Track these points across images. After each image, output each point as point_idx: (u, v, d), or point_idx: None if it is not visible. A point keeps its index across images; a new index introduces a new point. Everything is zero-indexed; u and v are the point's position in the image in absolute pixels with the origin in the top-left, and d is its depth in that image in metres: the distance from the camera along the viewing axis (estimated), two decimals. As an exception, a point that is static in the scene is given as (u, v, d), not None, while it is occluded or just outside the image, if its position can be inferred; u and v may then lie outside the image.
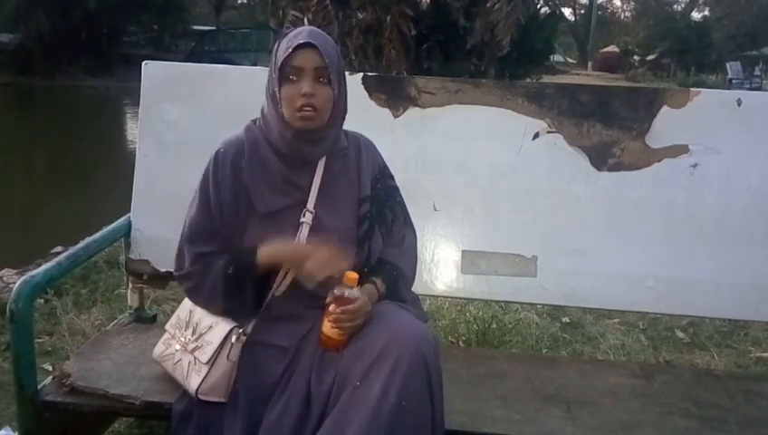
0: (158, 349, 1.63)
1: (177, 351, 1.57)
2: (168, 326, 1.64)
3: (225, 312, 1.50)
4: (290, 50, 1.39)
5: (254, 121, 1.53)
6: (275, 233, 1.46)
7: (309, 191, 1.49)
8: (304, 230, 1.48)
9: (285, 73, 1.40)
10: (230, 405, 1.45)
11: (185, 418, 1.49)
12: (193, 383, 1.48)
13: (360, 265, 1.52)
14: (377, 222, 1.56)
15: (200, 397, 1.47)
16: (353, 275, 1.40)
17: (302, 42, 1.39)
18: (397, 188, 1.63)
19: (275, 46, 1.46)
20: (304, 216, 1.48)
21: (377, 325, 1.40)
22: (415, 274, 1.64)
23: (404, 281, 1.58)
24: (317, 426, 1.34)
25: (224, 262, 1.47)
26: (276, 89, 1.42)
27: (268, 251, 1.45)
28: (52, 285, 2.55)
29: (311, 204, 1.49)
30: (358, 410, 1.29)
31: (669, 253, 1.90)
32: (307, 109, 1.40)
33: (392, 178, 1.63)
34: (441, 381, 1.38)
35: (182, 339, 1.57)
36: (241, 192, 1.48)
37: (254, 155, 1.49)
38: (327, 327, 1.40)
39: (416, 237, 1.66)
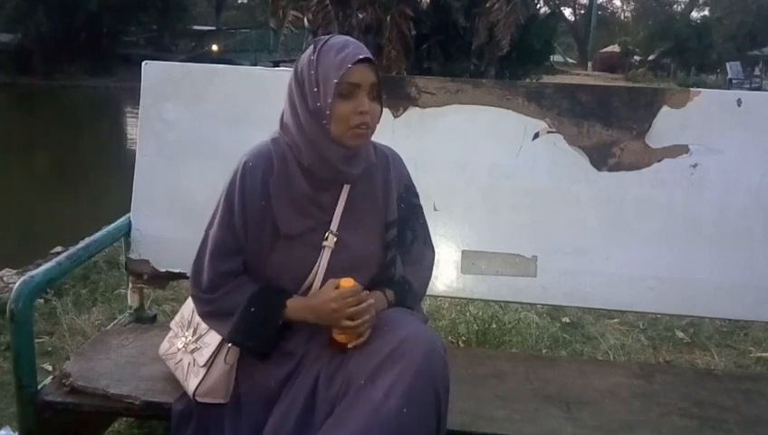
0: (164, 346, 1.64)
1: (178, 350, 1.57)
2: (172, 324, 1.64)
3: (233, 343, 1.45)
4: (349, 65, 1.32)
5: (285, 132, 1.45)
6: (296, 255, 1.43)
7: (333, 212, 1.44)
8: (326, 254, 1.43)
9: (340, 90, 1.33)
10: (232, 407, 1.45)
11: (184, 418, 1.49)
12: (191, 385, 1.48)
13: (378, 282, 1.50)
14: (397, 243, 1.52)
15: (198, 399, 1.47)
16: (349, 283, 1.38)
17: (361, 57, 1.33)
18: (420, 207, 1.58)
19: (312, 57, 1.37)
20: (327, 239, 1.43)
21: (386, 330, 1.38)
22: (425, 292, 1.62)
23: (413, 297, 1.54)
24: (320, 429, 1.32)
25: (247, 297, 1.40)
26: (321, 104, 1.34)
27: (298, 309, 1.41)
28: (52, 285, 2.55)
29: (334, 225, 1.44)
30: (359, 409, 1.28)
31: (669, 253, 1.90)
32: (362, 127, 1.36)
33: (417, 196, 1.57)
34: (448, 392, 1.35)
35: (183, 339, 1.57)
36: (268, 212, 1.41)
37: (281, 174, 1.41)
38: (335, 332, 1.40)
39: (434, 255, 1.62)
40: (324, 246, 1.43)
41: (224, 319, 1.42)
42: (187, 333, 1.56)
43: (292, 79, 1.41)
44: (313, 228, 1.44)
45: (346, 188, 1.45)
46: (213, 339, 1.49)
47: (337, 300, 1.36)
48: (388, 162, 1.52)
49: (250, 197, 1.41)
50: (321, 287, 1.43)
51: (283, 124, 1.44)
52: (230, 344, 1.46)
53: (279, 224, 1.42)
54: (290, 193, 1.42)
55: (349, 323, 1.36)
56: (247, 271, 1.46)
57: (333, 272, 1.43)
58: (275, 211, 1.41)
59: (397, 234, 1.51)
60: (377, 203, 1.49)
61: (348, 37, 1.42)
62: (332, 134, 1.36)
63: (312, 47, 1.40)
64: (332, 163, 1.38)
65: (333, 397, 1.34)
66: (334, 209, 1.44)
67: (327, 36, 1.42)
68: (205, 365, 1.47)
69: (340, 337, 1.39)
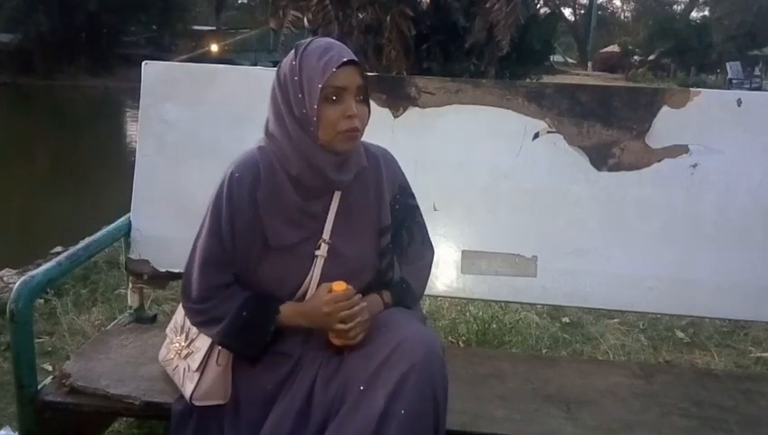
0: (162, 353, 1.64)
1: (174, 356, 1.56)
2: (167, 330, 1.64)
3: (222, 345, 1.44)
4: (333, 69, 1.29)
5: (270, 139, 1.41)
6: (289, 266, 1.42)
7: (324, 220, 1.42)
8: (318, 263, 1.41)
9: (326, 94, 1.30)
10: (231, 408, 1.44)
11: (184, 418, 1.48)
12: (187, 390, 1.48)
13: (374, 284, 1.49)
14: (392, 246, 1.50)
15: (195, 403, 1.46)
16: (341, 286, 1.38)
17: (346, 59, 1.30)
18: (416, 208, 1.55)
19: (294, 63, 1.34)
20: (319, 248, 1.41)
21: (384, 331, 1.37)
22: (423, 291, 1.60)
23: (411, 297, 1.53)
24: (317, 431, 1.32)
25: (238, 304, 1.40)
26: (307, 111, 1.31)
27: (292, 315, 1.40)
28: (52, 285, 2.55)
29: (326, 234, 1.41)
30: (359, 415, 1.27)
31: (669, 253, 1.90)
32: (352, 131, 1.33)
33: (413, 196, 1.54)
34: (446, 392, 1.34)
35: (176, 345, 1.56)
36: (257, 224, 1.39)
37: (269, 184, 1.39)
38: (331, 335, 1.40)
39: (433, 255, 1.60)
40: (317, 256, 1.42)
41: (216, 325, 1.42)
42: (179, 338, 1.56)
43: (275, 86, 1.38)
44: (305, 238, 1.42)
45: (337, 195, 1.43)
46: (203, 343, 1.48)
47: (329, 304, 1.36)
48: (380, 164, 1.49)
49: (238, 209, 1.38)
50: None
51: (268, 133, 1.41)
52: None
53: (269, 236, 1.40)
54: (279, 204, 1.39)
55: (341, 326, 1.36)
56: (239, 282, 1.44)
57: (327, 281, 1.41)
58: (265, 223, 1.39)
59: (393, 236, 1.50)
60: (369, 208, 1.47)
61: (330, 39, 1.39)
62: (321, 140, 1.33)
63: (292, 52, 1.37)
64: (322, 171, 1.36)
65: (330, 400, 1.33)
66: (326, 217, 1.42)
67: (308, 40, 1.38)
68: (198, 370, 1.46)
69: (335, 340, 1.39)
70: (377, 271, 1.49)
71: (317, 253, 1.42)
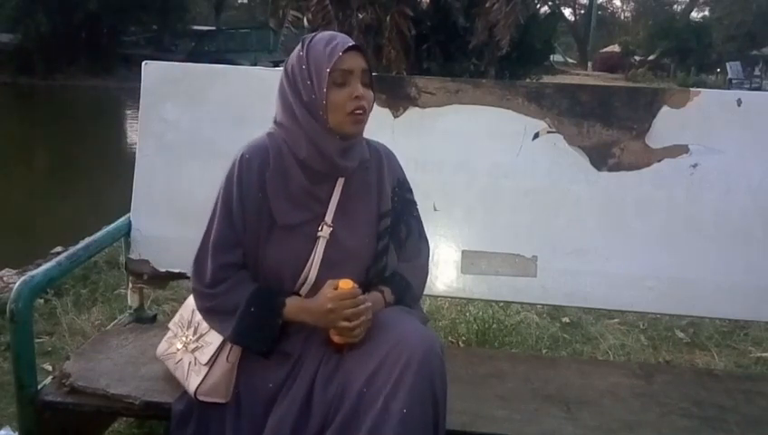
0: (162, 347, 1.64)
1: (178, 350, 1.57)
2: (171, 325, 1.64)
3: (236, 343, 1.46)
4: (340, 53, 1.36)
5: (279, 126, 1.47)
6: (292, 246, 1.45)
7: (328, 204, 1.46)
8: (321, 244, 1.45)
9: (333, 78, 1.36)
10: (232, 407, 1.45)
11: (184, 417, 1.48)
12: (192, 384, 1.48)
13: (373, 278, 1.51)
14: (390, 237, 1.54)
15: (199, 398, 1.47)
16: (348, 284, 1.39)
17: (350, 45, 1.37)
18: (414, 203, 1.60)
19: (301, 53, 1.41)
20: (321, 229, 1.45)
21: (383, 330, 1.38)
22: (423, 290, 1.61)
23: (412, 295, 1.55)
24: (317, 431, 1.33)
25: (246, 297, 1.42)
26: (316, 96, 1.37)
27: (296, 310, 1.42)
28: (52, 285, 2.55)
29: (329, 217, 1.46)
30: (363, 417, 1.28)
31: (669, 253, 1.90)
32: (359, 112, 1.38)
33: (410, 191, 1.60)
34: (446, 391, 1.35)
35: (183, 338, 1.57)
36: (264, 204, 1.44)
37: (277, 166, 1.44)
38: (332, 332, 1.40)
39: (429, 249, 1.63)
40: (319, 237, 1.45)
41: (224, 318, 1.43)
42: (187, 333, 1.56)
43: (283, 79, 1.44)
44: (309, 220, 1.46)
45: (341, 181, 1.47)
46: (214, 338, 1.49)
47: (334, 301, 1.37)
48: (382, 158, 1.55)
49: (247, 189, 1.43)
50: (316, 279, 1.45)
51: (276, 122, 1.47)
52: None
53: (275, 215, 1.44)
54: (286, 185, 1.44)
55: (345, 323, 1.37)
56: (246, 265, 1.47)
57: (328, 263, 1.45)
58: (272, 203, 1.44)
59: (391, 228, 1.53)
60: (371, 196, 1.51)
61: (332, 31, 1.46)
62: (330, 123, 1.38)
63: (299, 45, 1.44)
64: (329, 156, 1.41)
65: (329, 400, 1.34)
66: (329, 202, 1.47)
67: (312, 34, 1.45)
68: (207, 363, 1.47)
69: (336, 338, 1.40)
70: (374, 255, 1.51)
71: (319, 234, 1.45)
